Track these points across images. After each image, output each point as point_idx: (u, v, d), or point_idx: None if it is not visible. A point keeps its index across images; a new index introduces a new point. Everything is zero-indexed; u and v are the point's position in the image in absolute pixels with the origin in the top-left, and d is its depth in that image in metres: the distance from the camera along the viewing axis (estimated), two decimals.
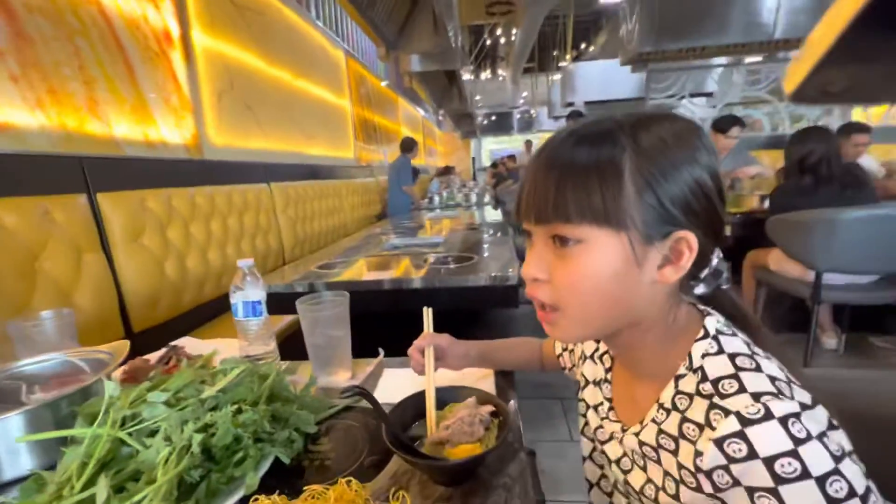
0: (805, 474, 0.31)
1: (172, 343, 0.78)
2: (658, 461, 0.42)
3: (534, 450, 0.53)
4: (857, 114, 4.25)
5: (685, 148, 0.39)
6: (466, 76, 6.31)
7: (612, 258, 0.38)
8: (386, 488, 0.45)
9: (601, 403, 0.52)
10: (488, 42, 10.81)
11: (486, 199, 4.62)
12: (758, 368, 0.37)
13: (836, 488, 0.31)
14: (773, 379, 0.36)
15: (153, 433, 0.47)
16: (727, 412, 0.35)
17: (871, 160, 3.06)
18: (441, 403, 0.53)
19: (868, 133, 2.64)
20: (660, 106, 4.54)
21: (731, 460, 0.34)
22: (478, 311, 1.64)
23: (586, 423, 0.54)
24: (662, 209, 0.38)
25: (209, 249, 1.84)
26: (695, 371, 0.40)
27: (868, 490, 0.32)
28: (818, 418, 0.34)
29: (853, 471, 0.32)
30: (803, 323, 2.02)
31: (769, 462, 0.32)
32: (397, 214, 3.94)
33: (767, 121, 4.26)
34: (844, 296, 1.96)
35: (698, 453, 0.36)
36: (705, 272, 0.43)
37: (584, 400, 0.55)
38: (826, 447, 0.32)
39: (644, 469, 0.44)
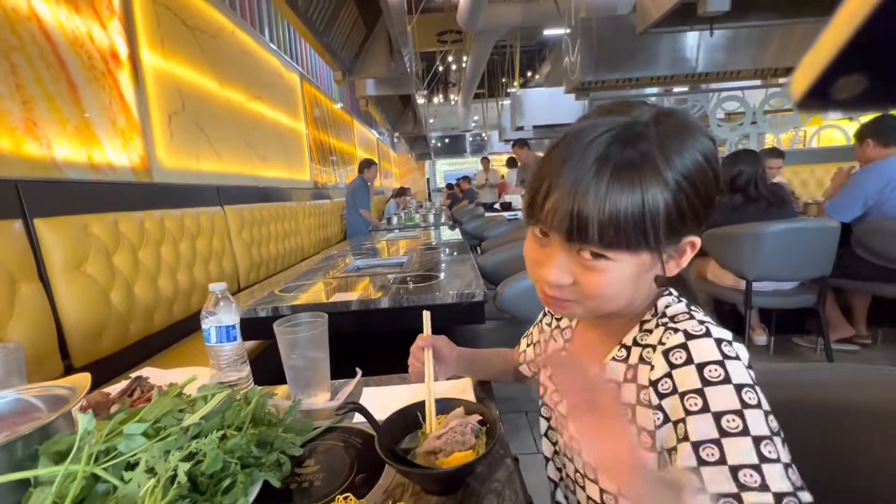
0: (726, 380, 0.37)
1: (134, 374, 0.74)
2: (617, 397, 0.45)
3: (517, 457, 0.55)
4: (770, 139, 4.78)
5: (694, 142, 0.41)
6: (420, 100, 6.46)
7: (637, 271, 0.42)
8: (381, 503, 0.46)
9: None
10: (440, 68, 11.15)
11: (443, 219, 4.69)
12: (709, 321, 0.43)
13: (749, 396, 0.36)
14: (720, 329, 0.42)
15: (131, 467, 0.46)
16: (676, 330, 0.41)
17: (782, 181, 3.44)
18: (435, 402, 0.55)
19: (782, 158, 2.98)
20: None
21: (672, 366, 0.39)
22: (445, 329, 1.66)
23: (550, 410, 0.58)
24: (679, 219, 0.40)
25: (159, 276, 1.74)
26: (658, 316, 0.46)
27: (774, 420, 0.37)
28: (743, 352, 0.40)
29: (763, 396, 0.37)
30: (737, 326, 2.21)
31: (700, 367, 0.38)
32: (356, 236, 3.91)
33: None
34: (771, 301, 2.17)
35: (651, 367, 0.42)
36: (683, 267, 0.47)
37: (543, 385, 0.60)
38: (748, 371, 0.38)
39: None
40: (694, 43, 4.62)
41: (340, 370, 0.83)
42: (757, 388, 0.38)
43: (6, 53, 1.29)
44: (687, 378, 0.38)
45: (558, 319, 0.62)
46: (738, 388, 0.37)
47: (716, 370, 0.38)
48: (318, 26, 2.66)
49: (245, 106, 2.82)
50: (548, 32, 7.16)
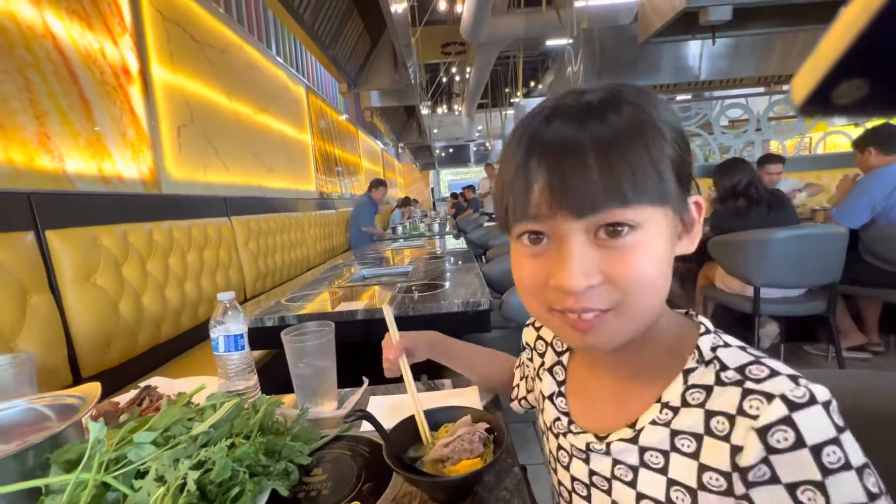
0: (847, 465, 0.29)
1: (143, 383, 0.74)
2: (664, 469, 0.36)
3: (525, 466, 0.55)
4: (774, 145, 4.77)
5: (661, 101, 0.35)
6: (424, 111, 6.53)
7: (665, 237, 0.34)
8: None
9: (557, 419, 0.46)
10: (444, 79, 11.28)
11: (448, 228, 4.70)
12: (769, 358, 0.34)
13: (872, 481, 0.29)
14: (786, 364, 0.33)
15: (140, 475, 0.46)
16: (769, 396, 0.31)
17: (792, 182, 3.42)
18: (436, 424, 0.55)
19: (782, 163, 2.98)
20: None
21: (773, 451, 0.30)
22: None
23: (556, 447, 0.47)
24: (683, 168, 0.35)
25: (167, 286, 1.75)
26: (708, 363, 0.36)
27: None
28: (834, 403, 0.31)
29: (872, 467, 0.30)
30: (746, 335, 2.19)
31: (816, 451, 0.29)
32: (358, 248, 3.93)
33: (700, 152, 4.68)
34: (780, 308, 2.15)
35: (736, 448, 0.32)
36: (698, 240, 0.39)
37: (544, 423, 0.50)
38: (855, 442, 0.30)
39: (632, 485, 0.38)
40: (696, 51, 4.66)
41: (347, 379, 0.83)
42: (867, 461, 0.30)
43: (22, 70, 1.32)
44: (799, 466, 0.29)
45: (541, 355, 0.52)
46: (859, 472, 0.29)
47: (835, 453, 0.29)
48: (324, 40, 2.71)
49: (252, 118, 2.86)
50: (550, 43, 7.23)
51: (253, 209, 2.68)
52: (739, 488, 0.32)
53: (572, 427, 0.44)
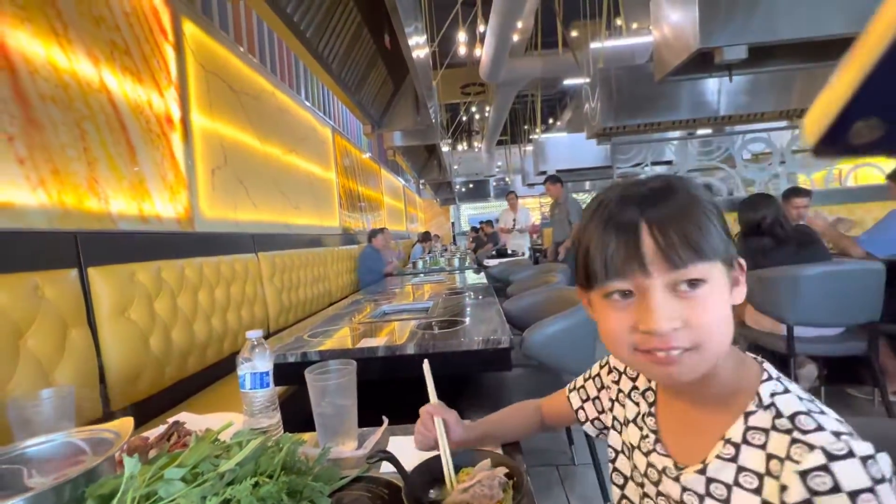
0: None
1: (173, 419, 0.77)
2: (726, 500, 0.42)
3: None
4: (801, 178, 4.68)
5: (706, 189, 0.46)
6: (445, 148, 6.72)
7: (726, 290, 0.43)
8: None
9: (646, 437, 0.52)
10: (464, 118, 11.63)
11: (468, 262, 4.72)
12: (823, 412, 0.40)
13: None
14: (839, 421, 0.39)
15: None
16: (811, 447, 0.37)
17: (822, 215, 3.31)
18: (455, 467, 0.55)
19: (808, 196, 2.91)
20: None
21: (815, 493, 0.35)
22: (467, 376, 1.64)
23: (634, 467, 0.54)
24: (727, 237, 0.44)
25: (195, 321, 1.81)
26: (766, 408, 0.42)
27: None
28: (887, 462, 0.36)
29: None
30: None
31: (853, 496, 0.34)
32: (367, 285, 3.86)
33: (723, 185, 4.63)
34: (816, 348, 2.05)
35: (783, 487, 0.37)
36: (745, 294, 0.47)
37: (624, 444, 0.56)
38: (893, 491, 0.35)
39: None
40: (715, 87, 4.69)
41: (366, 417, 0.84)
42: None
43: (78, 122, 1.45)
44: None
45: (633, 379, 0.58)
46: None
47: (870, 501, 0.34)
48: (349, 86, 2.87)
49: (281, 159, 3.01)
50: (568, 82, 7.43)
51: (279, 245, 2.77)
52: None
53: (658, 447, 0.50)
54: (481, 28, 6.29)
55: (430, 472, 0.54)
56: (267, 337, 2.28)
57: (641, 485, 0.52)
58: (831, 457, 0.35)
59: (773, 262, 2.05)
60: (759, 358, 0.47)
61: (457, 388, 1.47)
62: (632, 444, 0.54)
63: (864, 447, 0.36)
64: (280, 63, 3.25)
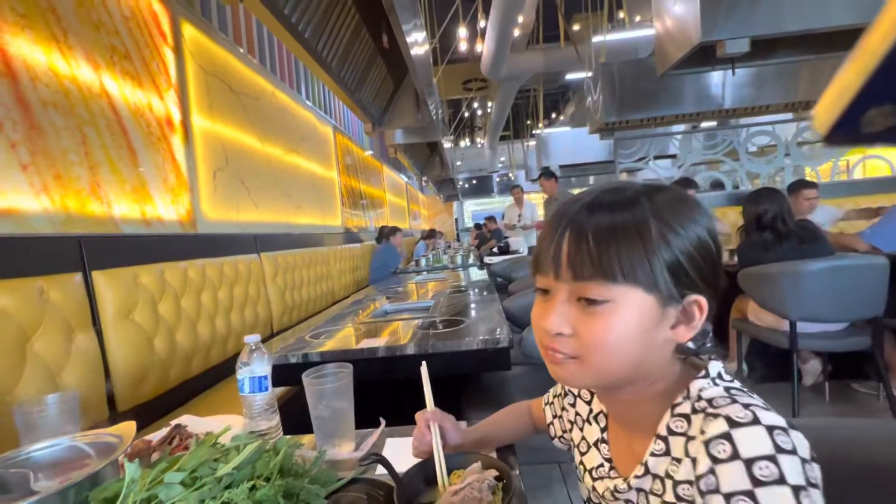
0: (781, 480, 0.32)
1: (175, 422, 0.78)
2: (661, 494, 0.42)
3: None
4: (808, 172, 4.64)
5: (691, 210, 0.43)
6: (447, 145, 6.72)
7: (638, 317, 0.41)
8: None
9: (601, 465, 0.52)
10: (466, 114, 11.60)
11: (471, 259, 4.73)
12: (752, 399, 0.39)
13: (808, 503, 0.32)
14: (766, 409, 0.37)
15: None
16: (717, 416, 0.37)
17: (831, 210, 3.27)
18: (446, 470, 0.56)
19: (816, 188, 2.88)
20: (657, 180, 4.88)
21: (716, 460, 0.35)
22: (468, 376, 1.65)
23: (593, 489, 0.54)
24: (681, 269, 0.41)
25: (199, 322, 1.83)
26: (693, 399, 0.42)
27: None
28: (802, 442, 0.35)
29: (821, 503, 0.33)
30: (786, 372, 2.07)
31: (749, 464, 0.33)
32: (376, 282, 3.96)
33: (728, 179, 4.60)
34: (819, 343, 2.04)
35: (694, 462, 0.38)
36: (695, 332, 0.44)
37: (582, 464, 0.56)
38: (804, 469, 0.33)
39: None
40: (719, 80, 4.64)
41: (368, 419, 0.85)
42: (817, 492, 0.33)
43: (80, 126, 1.46)
44: (733, 476, 0.34)
45: (588, 403, 0.58)
46: (796, 491, 0.32)
47: (767, 468, 0.33)
48: (349, 85, 2.87)
49: (282, 159, 3.02)
50: (570, 76, 7.38)
51: (281, 245, 2.79)
52: (698, 499, 0.37)
53: (611, 473, 0.51)
54: (482, 23, 6.27)
55: (424, 475, 0.55)
56: (271, 336, 2.31)
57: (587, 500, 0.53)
58: (733, 423, 0.35)
59: (774, 257, 2.04)
60: (711, 358, 0.46)
61: (457, 388, 1.48)
62: (591, 468, 0.54)
63: (773, 417, 0.35)
64: (280, 63, 3.26)
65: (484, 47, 6.36)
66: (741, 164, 4.50)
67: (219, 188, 2.23)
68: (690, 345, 0.46)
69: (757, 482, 0.33)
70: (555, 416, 0.65)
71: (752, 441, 0.34)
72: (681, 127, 5.34)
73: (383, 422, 0.80)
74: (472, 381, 1.58)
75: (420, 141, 4.64)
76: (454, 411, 0.80)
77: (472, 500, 0.48)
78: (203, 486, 0.49)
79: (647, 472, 0.44)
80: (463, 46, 5.99)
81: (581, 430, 0.58)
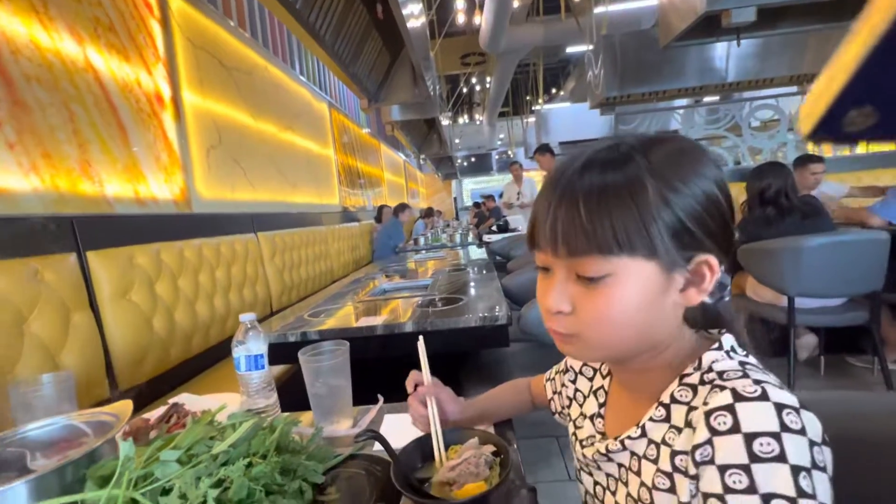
0: (781, 457, 0.31)
1: (172, 400, 0.78)
2: (655, 460, 0.41)
3: (534, 486, 0.55)
4: (811, 147, 4.57)
5: (694, 163, 0.39)
6: (445, 122, 6.60)
7: (641, 288, 0.38)
8: None
9: (591, 436, 0.52)
10: (464, 90, 11.37)
11: (471, 237, 4.71)
12: (766, 376, 0.37)
13: (806, 484, 0.30)
14: (780, 387, 0.35)
15: (166, 492, 0.49)
16: (723, 388, 0.35)
17: (836, 185, 3.25)
18: (444, 445, 0.56)
19: (822, 163, 2.84)
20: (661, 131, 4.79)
21: (714, 432, 0.33)
22: (466, 353, 1.66)
23: (583, 456, 0.53)
24: (684, 230, 0.38)
25: (197, 302, 1.83)
26: (703, 370, 0.40)
27: None
28: (814, 424, 0.33)
29: (825, 486, 0.31)
30: (784, 347, 2.09)
31: (749, 438, 0.31)
32: (381, 259, 4.02)
33: (729, 155, 4.54)
34: (817, 319, 2.05)
35: (693, 429, 0.36)
36: (713, 285, 0.41)
37: (575, 435, 0.55)
38: (811, 451, 0.31)
39: (637, 474, 0.43)
40: (723, 52, 4.52)
41: (367, 396, 0.85)
42: (821, 475, 0.31)
43: (66, 103, 1.42)
44: (731, 449, 0.32)
45: (590, 379, 0.57)
46: (795, 470, 0.30)
47: (769, 444, 0.31)
48: (344, 59, 2.79)
49: (277, 136, 2.97)
50: (570, 50, 7.20)
51: (278, 224, 2.77)
52: (692, 468, 0.35)
53: (608, 443, 0.49)
54: None
55: (420, 450, 0.55)
56: (270, 315, 2.31)
57: (590, 474, 0.52)
58: (739, 397, 0.33)
59: (777, 232, 2.03)
60: (723, 330, 0.44)
61: (455, 365, 1.49)
62: (582, 438, 0.53)
63: (785, 395, 0.33)
64: (272, 36, 3.16)
65: (482, 19, 6.17)
66: (743, 139, 4.44)
67: (213, 167, 2.20)
68: (708, 299, 0.42)
69: (755, 457, 0.31)
70: (555, 392, 0.64)
71: (757, 416, 0.32)
72: (683, 101, 5.24)
73: (381, 399, 0.80)
74: (470, 358, 1.59)
75: (417, 117, 4.56)
76: (453, 388, 0.80)
77: (469, 475, 0.48)
78: (199, 463, 0.49)
79: (643, 434, 0.43)
80: (461, 18, 5.81)
81: (580, 405, 0.57)
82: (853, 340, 2.43)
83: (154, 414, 0.77)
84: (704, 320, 0.46)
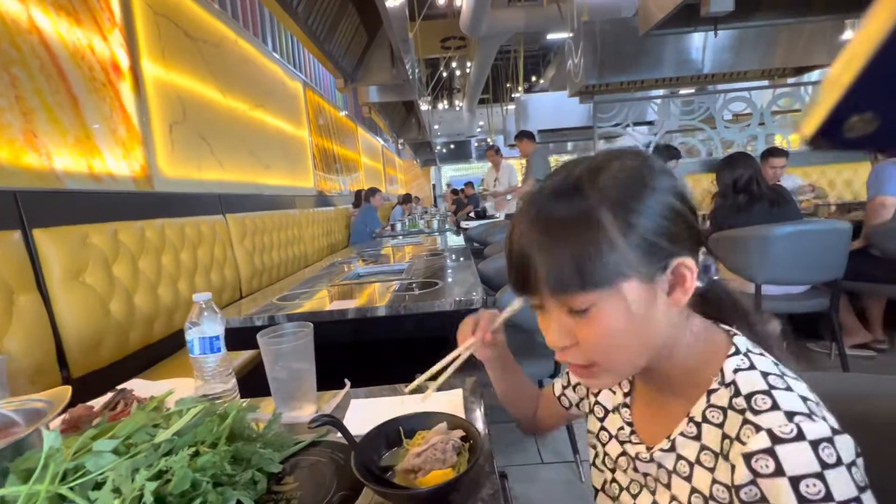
0: (828, 497, 0.32)
1: (119, 386, 0.72)
2: (688, 478, 0.42)
3: (505, 472, 0.53)
4: (778, 139, 4.71)
5: (644, 179, 0.40)
6: (424, 107, 6.49)
7: (626, 308, 0.39)
8: None
9: (621, 428, 0.52)
10: (444, 74, 11.21)
11: (448, 224, 4.67)
12: (789, 388, 0.37)
13: None
14: (804, 399, 0.36)
15: (99, 486, 0.44)
16: (759, 428, 0.35)
17: (795, 179, 3.39)
18: (411, 431, 0.53)
19: (785, 157, 2.93)
20: (606, 150, 4.83)
21: (758, 475, 0.34)
22: (443, 338, 1.64)
23: (606, 455, 0.54)
24: (651, 245, 0.39)
25: (160, 285, 1.74)
26: (727, 385, 0.40)
27: None
28: (847, 445, 0.34)
29: (869, 497, 0.33)
30: None
31: (795, 482, 0.32)
32: (358, 243, 3.97)
33: (703, 147, 4.63)
34: (782, 305, 2.12)
35: (733, 468, 0.37)
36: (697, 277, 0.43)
37: (605, 429, 0.55)
38: (852, 476, 0.33)
39: (668, 486, 0.44)
40: (700, 44, 4.58)
41: (332, 380, 0.81)
42: (865, 495, 0.33)
43: (6, 66, 1.30)
44: (779, 492, 0.33)
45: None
46: None
47: (815, 485, 0.32)
48: (318, 35, 2.67)
49: (247, 114, 2.83)
50: (551, 37, 7.16)
51: (249, 206, 2.66)
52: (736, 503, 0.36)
53: (633, 437, 0.50)
54: None
55: (386, 436, 0.52)
56: (239, 300, 2.23)
57: (612, 470, 0.52)
58: (777, 439, 0.34)
59: (746, 220, 2.07)
60: (733, 330, 0.45)
61: (430, 350, 1.47)
62: (609, 433, 0.54)
63: (818, 429, 0.34)
64: (242, 8, 3.00)
65: (463, 2, 6.04)
66: (717, 131, 4.53)
67: (177, 143, 2.08)
68: (699, 283, 0.44)
69: (804, 500, 0.32)
70: (566, 387, 0.64)
71: (797, 458, 0.33)
72: (660, 92, 5.29)
73: (348, 383, 0.77)
74: (445, 343, 1.56)
75: (396, 100, 4.46)
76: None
77: (436, 462, 0.45)
78: (138, 453, 0.44)
79: (672, 448, 0.44)
80: (441, 0, 5.67)
81: (599, 396, 0.57)
82: (815, 327, 2.53)
83: (100, 401, 0.71)
84: (708, 307, 0.47)
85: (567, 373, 0.65)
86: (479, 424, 0.62)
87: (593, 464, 0.56)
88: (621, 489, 0.51)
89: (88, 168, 1.57)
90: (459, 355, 0.59)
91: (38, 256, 1.30)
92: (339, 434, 0.62)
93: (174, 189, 2.03)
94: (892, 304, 2.33)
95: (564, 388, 0.64)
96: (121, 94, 1.75)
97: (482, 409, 0.68)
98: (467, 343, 0.60)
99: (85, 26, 1.59)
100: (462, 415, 0.63)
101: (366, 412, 0.68)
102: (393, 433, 0.53)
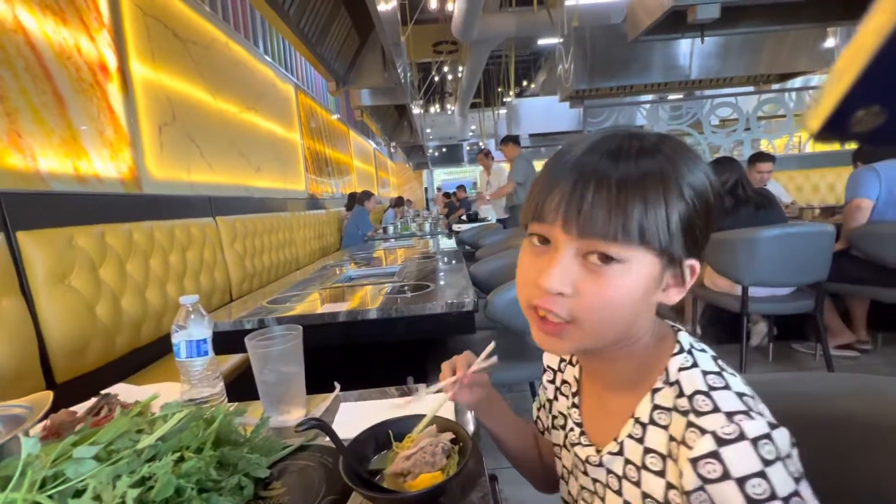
0: (773, 496, 0.32)
1: (104, 391, 0.71)
2: (637, 483, 0.41)
3: (495, 474, 0.53)
4: (764, 144, 4.79)
5: (697, 160, 0.40)
6: (416, 110, 6.49)
7: (644, 279, 0.38)
8: None
9: (571, 430, 0.50)
10: (436, 78, 11.24)
11: (440, 227, 4.67)
12: (727, 386, 0.38)
13: (797, 501, 0.33)
14: (741, 395, 0.37)
15: (80, 493, 0.43)
16: (703, 431, 0.35)
17: (778, 186, 3.45)
18: (400, 434, 0.52)
19: (772, 161, 2.98)
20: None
21: (706, 480, 0.34)
22: (434, 340, 1.64)
23: (563, 464, 0.53)
24: (691, 239, 0.39)
25: (147, 288, 1.71)
26: (671, 384, 0.40)
27: None
28: (783, 438, 0.35)
29: (808, 493, 0.34)
30: (736, 335, 2.18)
31: (741, 483, 0.33)
32: (350, 245, 3.96)
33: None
34: (768, 307, 2.15)
35: (681, 473, 0.37)
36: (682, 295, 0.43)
37: (567, 438, 0.52)
38: (787, 469, 0.34)
39: (619, 493, 0.43)
40: (687, 50, 4.65)
41: (322, 384, 0.81)
42: (804, 483, 0.34)
43: None
44: (727, 496, 0.34)
45: (561, 371, 0.56)
46: (786, 500, 0.33)
47: (760, 485, 0.33)
48: (310, 37, 2.67)
49: (238, 117, 2.82)
50: (542, 42, 7.22)
51: (239, 209, 2.64)
52: None
53: (582, 439, 0.49)
54: None
55: (375, 439, 0.52)
56: (229, 303, 2.21)
57: (576, 478, 0.50)
58: (721, 441, 0.34)
59: (733, 223, 2.10)
60: (676, 326, 0.45)
61: (422, 353, 1.46)
62: (565, 441, 0.52)
63: (756, 426, 0.34)
64: (234, 10, 2.99)
65: (455, 7, 6.07)
66: (705, 136, 4.59)
67: (166, 145, 2.06)
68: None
69: (752, 501, 0.33)
70: (539, 408, 0.61)
71: (740, 459, 0.34)
72: (649, 97, 5.36)
73: (338, 386, 0.76)
74: (436, 345, 1.56)
75: (388, 103, 4.46)
76: (418, 375, 0.77)
77: (425, 465, 0.45)
78: (120, 460, 0.43)
79: (620, 451, 0.43)
80: (433, 4, 5.70)
81: (558, 401, 0.55)
82: (800, 328, 2.57)
83: (84, 407, 0.70)
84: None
85: (533, 407, 0.61)
86: (470, 427, 0.62)
87: (560, 477, 0.54)
88: (574, 500, 0.49)
89: (75, 169, 1.55)
90: (442, 390, 0.55)
91: (22, 259, 1.28)
92: (328, 438, 0.62)
93: (163, 191, 2.00)
94: (875, 305, 2.37)
95: (538, 410, 0.61)
96: (108, 95, 1.73)
97: (472, 412, 0.68)
98: (446, 382, 0.55)
99: (71, 26, 1.57)
100: (452, 416, 0.62)
101: (355, 415, 0.68)
102: (382, 436, 0.53)
